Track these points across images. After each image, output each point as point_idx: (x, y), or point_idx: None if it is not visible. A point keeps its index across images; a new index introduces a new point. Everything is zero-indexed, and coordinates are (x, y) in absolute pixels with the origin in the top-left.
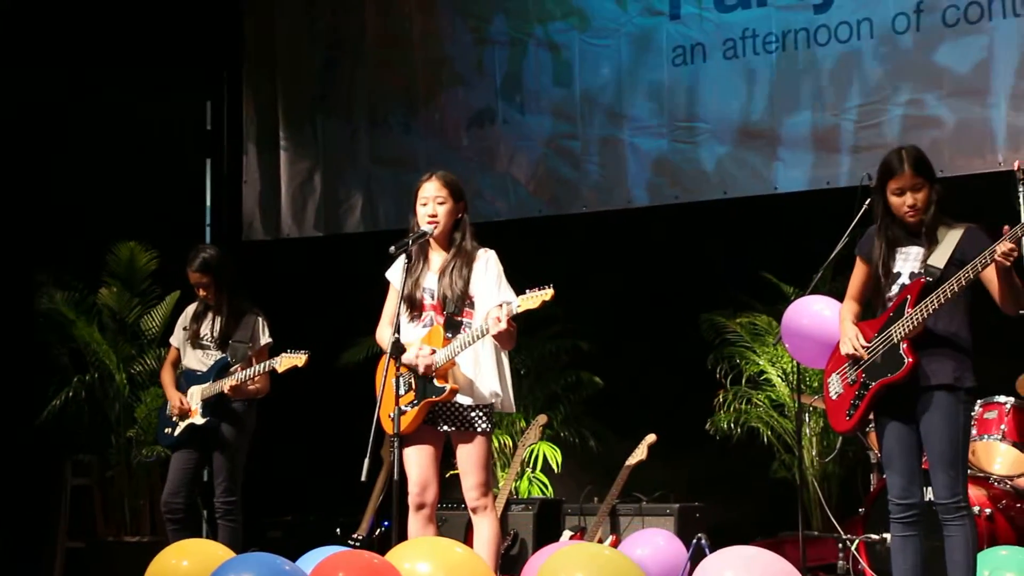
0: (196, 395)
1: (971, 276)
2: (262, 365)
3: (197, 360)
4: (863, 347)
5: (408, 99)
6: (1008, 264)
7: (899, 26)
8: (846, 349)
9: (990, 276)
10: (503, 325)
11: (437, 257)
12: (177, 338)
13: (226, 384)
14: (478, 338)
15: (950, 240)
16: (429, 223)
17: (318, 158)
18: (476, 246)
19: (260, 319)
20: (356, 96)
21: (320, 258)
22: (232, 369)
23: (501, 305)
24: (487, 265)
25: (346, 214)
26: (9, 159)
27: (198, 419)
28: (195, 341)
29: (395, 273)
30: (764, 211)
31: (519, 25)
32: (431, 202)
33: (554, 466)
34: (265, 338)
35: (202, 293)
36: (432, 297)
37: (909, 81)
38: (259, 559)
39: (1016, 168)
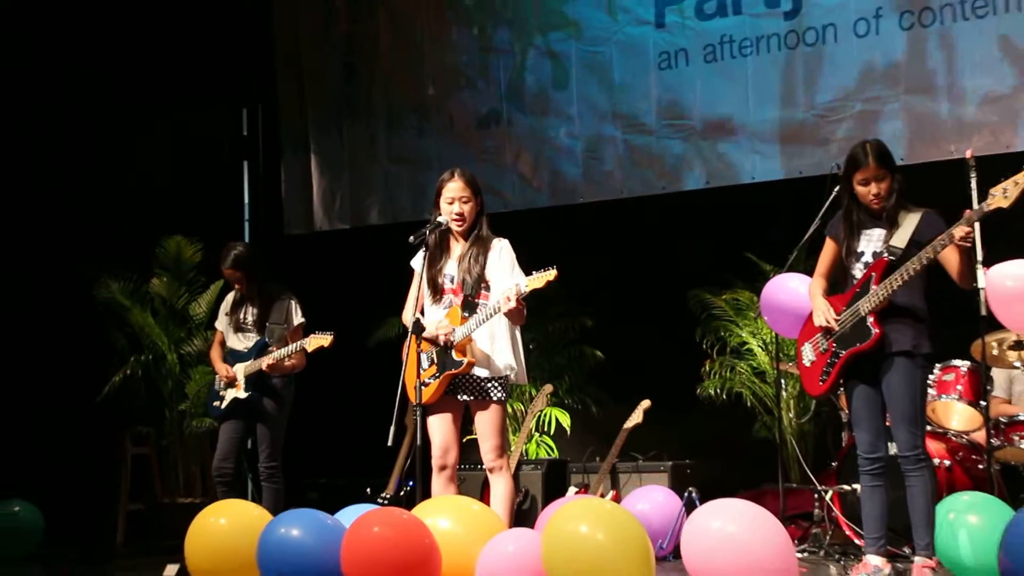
0: (240, 372)
1: (932, 256)
2: (296, 344)
3: (239, 342)
4: (834, 319)
5: (421, 104)
6: (968, 245)
7: (860, 30)
8: (819, 321)
9: (947, 256)
10: (512, 303)
11: (457, 246)
12: (221, 323)
13: (264, 362)
14: (491, 316)
15: (909, 223)
16: (455, 221)
17: (343, 159)
18: (491, 235)
19: (293, 302)
20: (374, 102)
21: (350, 247)
22: (270, 348)
23: (512, 287)
24: (501, 253)
25: (369, 208)
26: (69, 165)
27: (242, 393)
28: (236, 326)
29: (417, 262)
30: (743, 198)
31: (521, 35)
32: (457, 201)
33: (566, 429)
34: (298, 319)
35: (237, 286)
36: (452, 282)
37: (870, 79)
38: (306, 514)
39: (968, 157)
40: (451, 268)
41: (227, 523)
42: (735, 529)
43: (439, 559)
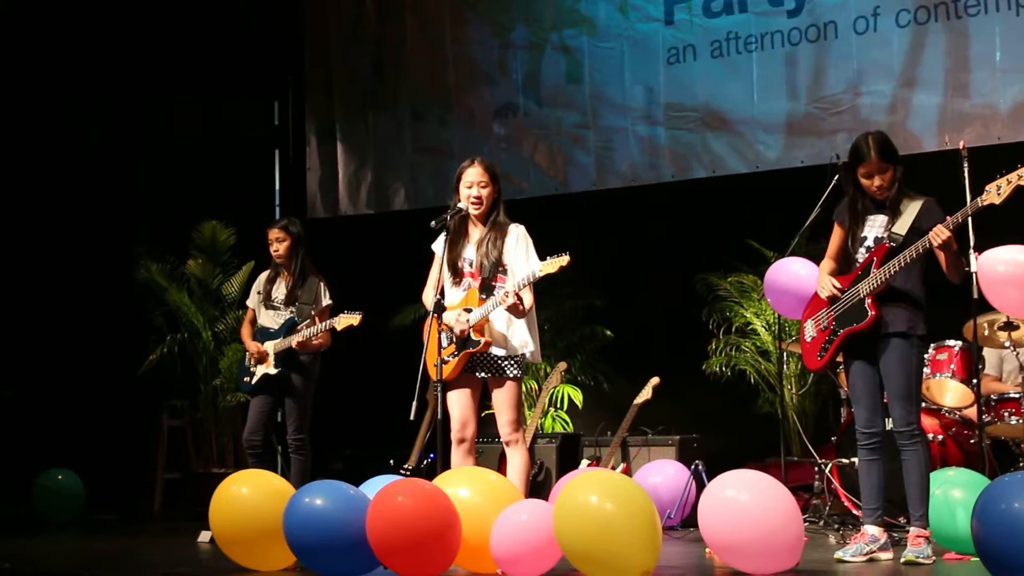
0: (269, 349)
1: (928, 245)
2: (324, 324)
3: (270, 319)
4: (838, 288)
5: (443, 96)
6: (938, 243)
7: (859, 28)
8: (824, 293)
9: (939, 249)
10: (510, 300)
11: (476, 231)
12: (252, 300)
13: (294, 340)
14: (497, 305)
15: (911, 211)
16: (473, 204)
17: (369, 148)
18: (508, 221)
19: (322, 283)
20: (399, 94)
21: (373, 232)
22: (299, 327)
23: (517, 284)
24: (517, 239)
25: (393, 195)
26: (114, 154)
27: (271, 369)
28: (267, 303)
29: (438, 245)
30: (748, 186)
31: (537, 32)
32: (475, 186)
33: (578, 404)
34: (326, 300)
35: (276, 249)
36: (471, 266)
37: (869, 74)
38: (331, 485)
39: (961, 147)
40: (470, 252)
41: (249, 492)
42: (747, 497)
43: (460, 527)
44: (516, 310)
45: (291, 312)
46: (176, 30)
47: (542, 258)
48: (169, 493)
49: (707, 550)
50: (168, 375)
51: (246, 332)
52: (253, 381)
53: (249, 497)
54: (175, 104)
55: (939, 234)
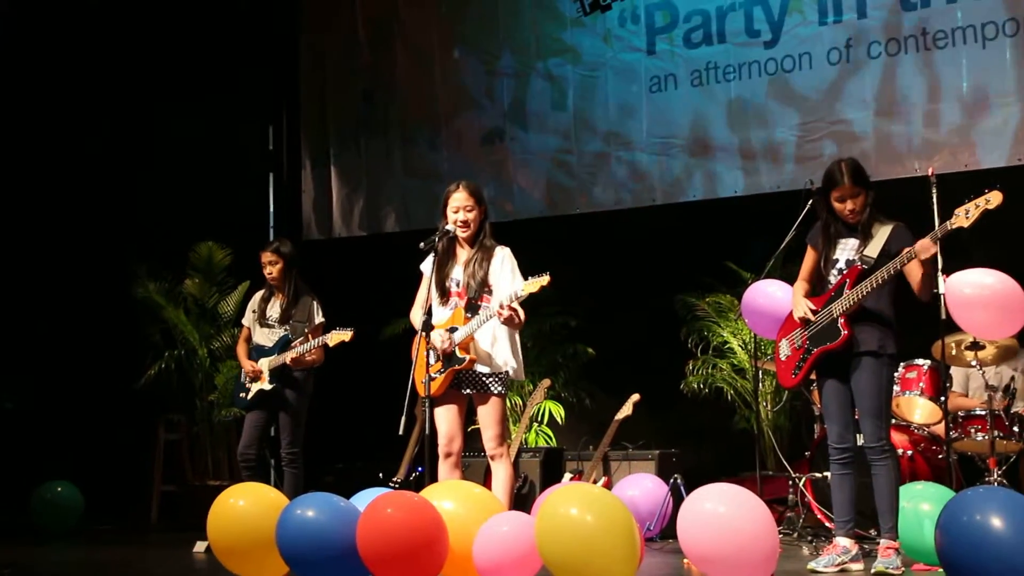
0: (264, 366)
1: (898, 267)
2: (317, 340)
3: (264, 337)
4: (812, 310)
5: (433, 122)
6: (928, 255)
7: (832, 59)
8: (799, 313)
9: (910, 269)
10: (505, 314)
11: (463, 252)
12: (248, 319)
13: (288, 356)
14: (490, 318)
15: (881, 235)
16: (460, 227)
17: (361, 172)
18: (494, 243)
19: (315, 302)
20: (390, 120)
21: (365, 253)
22: (293, 344)
23: (508, 297)
24: (503, 260)
25: (385, 217)
26: (114, 175)
27: (266, 385)
28: (262, 321)
29: (427, 266)
30: (726, 210)
31: (523, 60)
32: (462, 210)
33: (560, 420)
34: (319, 318)
35: (270, 271)
36: (458, 285)
37: (841, 103)
38: (323, 497)
39: (930, 174)
40: (457, 273)
41: (245, 504)
42: (725, 510)
43: (447, 539)
44: (512, 323)
45: (285, 330)
46: (177, 58)
47: (525, 279)
48: (166, 505)
49: (685, 561)
50: (165, 390)
51: (241, 350)
52: (248, 397)
53: (246, 509)
54: (174, 128)
55: (927, 248)
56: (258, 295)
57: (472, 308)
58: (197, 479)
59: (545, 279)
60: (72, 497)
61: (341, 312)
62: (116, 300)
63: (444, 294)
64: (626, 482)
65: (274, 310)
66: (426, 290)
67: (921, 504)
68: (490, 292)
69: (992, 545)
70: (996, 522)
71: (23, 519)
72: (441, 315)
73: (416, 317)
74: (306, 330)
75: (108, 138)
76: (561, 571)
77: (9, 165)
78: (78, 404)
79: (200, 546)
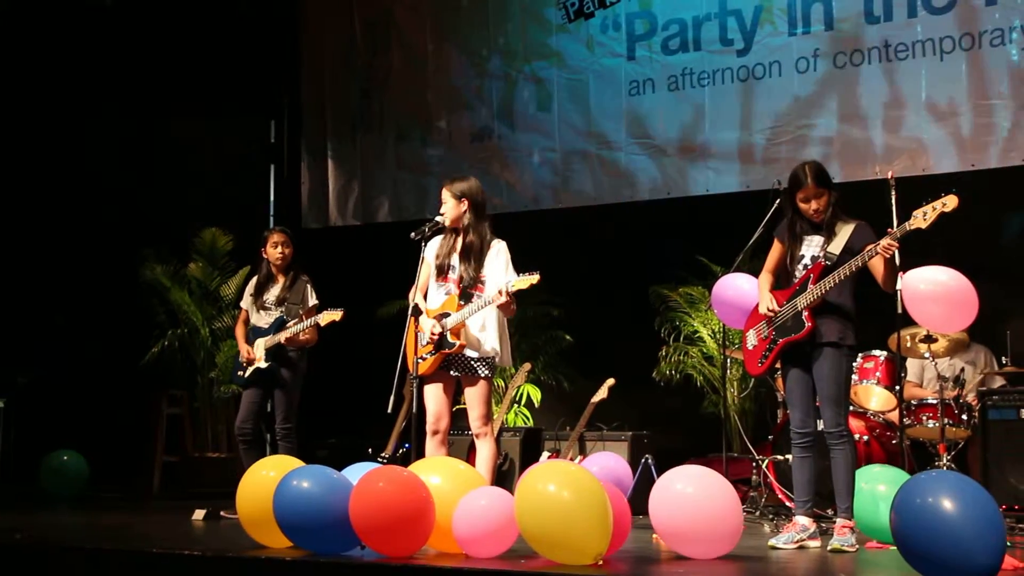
0: (260, 346)
1: (860, 264)
2: (310, 320)
3: (261, 319)
4: (775, 309)
5: (425, 120)
6: (889, 255)
7: (800, 67)
8: (762, 309)
9: (874, 264)
10: (504, 299)
11: (459, 241)
12: (246, 302)
13: (282, 336)
14: (484, 306)
15: (844, 233)
16: (440, 216)
17: (356, 165)
18: (492, 236)
19: (309, 285)
20: (385, 117)
21: (359, 241)
22: (287, 324)
23: (505, 284)
24: (497, 253)
25: (378, 208)
26: (126, 165)
27: (262, 364)
28: (260, 304)
29: (429, 251)
30: (699, 207)
31: (511, 63)
32: (443, 204)
33: (536, 402)
34: (312, 300)
35: (282, 252)
36: (454, 272)
37: (808, 108)
38: (317, 470)
39: (890, 177)
40: (455, 260)
41: (276, 475)
42: (693, 490)
43: (433, 512)
44: (508, 308)
45: (281, 312)
46: (186, 58)
47: (518, 273)
48: (167, 474)
49: (654, 536)
50: (168, 367)
51: (240, 331)
52: (246, 375)
53: (276, 480)
54: (182, 123)
55: (890, 247)
56: (255, 279)
57: (466, 296)
58: (197, 451)
59: (535, 278)
60: (79, 466)
61: (336, 296)
62: (124, 282)
63: (442, 273)
64: (590, 461)
65: (271, 293)
66: (424, 275)
67: (878, 486)
68: (483, 283)
69: (941, 524)
70: (946, 504)
71: (33, 485)
72: (436, 300)
73: (412, 298)
74: (300, 312)
75: (122, 134)
76: (540, 544)
77: (26, 156)
78: (87, 379)
79: (199, 513)
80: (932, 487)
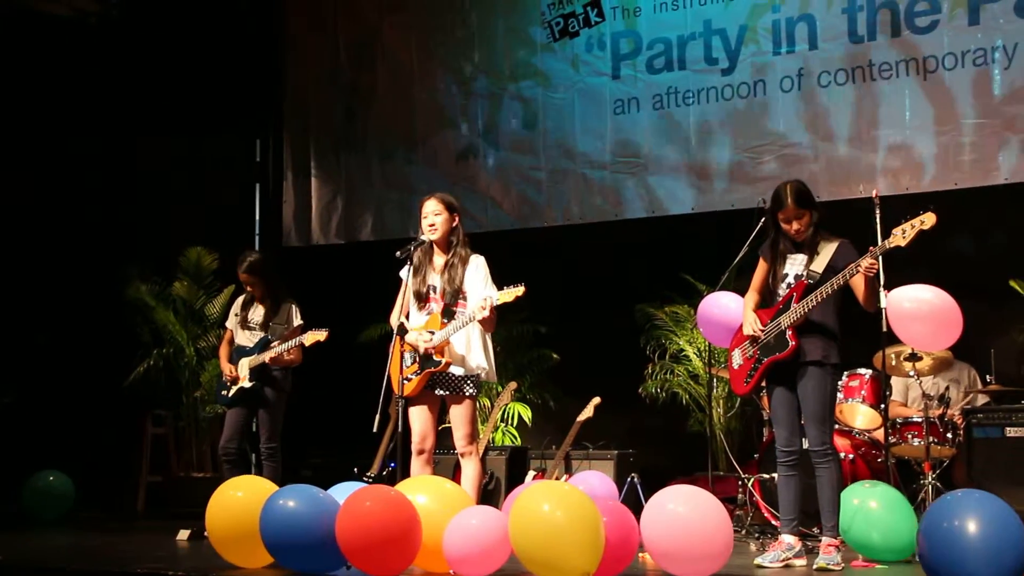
0: (245, 365)
1: (842, 282)
2: (295, 340)
3: (246, 339)
4: (760, 330)
5: (410, 138)
6: (872, 274)
7: (785, 87)
8: (747, 330)
9: (856, 282)
10: (487, 313)
11: (439, 259)
12: (231, 322)
13: (267, 355)
14: (467, 323)
15: (827, 251)
16: (430, 230)
17: (341, 183)
18: (470, 252)
19: (293, 306)
20: (369, 136)
21: (342, 259)
22: (272, 344)
23: (486, 299)
24: (477, 268)
25: (362, 226)
26: (111, 184)
27: (247, 383)
28: (244, 325)
29: (405, 272)
30: (684, 226)
31: (496, 82)
32: (430, 215)
33: (528, 421)
34: (297, 320)
35: (249, 288)
36: (434, 292)
37: (792, 127)
38: (303, 489)
39: (874, 196)
40: (434, 279)
41: (243, 496)
42: (685, 510)
43: (420, 531)
44: (490, 323)
45: (266, 333)
46: (171, 75)
47: (500, 288)
48: (152, 495)
49: (640, 554)
50: (153, 387)
51: (223, 352)
52: (230, 394)
53: (243, 500)
54: (167, 141)
55: (872, 267)
56: (240, 299)
57: (448, 313)
58: (182, 471)
59: (520, 290)
60: (63, 486)
61: (319, 315)
62: (109, 301)
63: (421, 299)
64: (576, 479)
65: (256, 314)
66: (403, 296)
67: (870, 502)
68: (465, 298)
69: (968, 548)
70: (972, 527)
71: (16, 506)
72: (418, 320)
73: (395, 321)
74: (285, 332)
75: (107, 152)
76: (532, 563)
77: (5, 171)
78: (71, 398)
79: (183, 534)
80: (957, 511)
